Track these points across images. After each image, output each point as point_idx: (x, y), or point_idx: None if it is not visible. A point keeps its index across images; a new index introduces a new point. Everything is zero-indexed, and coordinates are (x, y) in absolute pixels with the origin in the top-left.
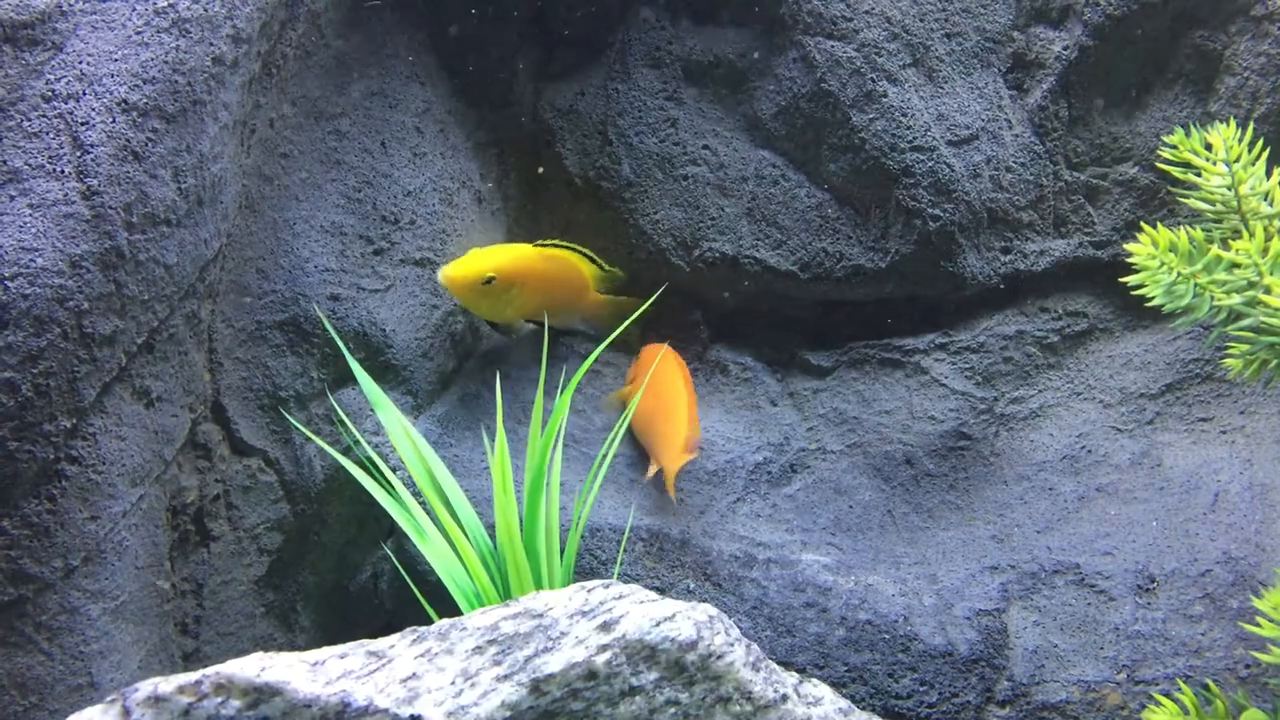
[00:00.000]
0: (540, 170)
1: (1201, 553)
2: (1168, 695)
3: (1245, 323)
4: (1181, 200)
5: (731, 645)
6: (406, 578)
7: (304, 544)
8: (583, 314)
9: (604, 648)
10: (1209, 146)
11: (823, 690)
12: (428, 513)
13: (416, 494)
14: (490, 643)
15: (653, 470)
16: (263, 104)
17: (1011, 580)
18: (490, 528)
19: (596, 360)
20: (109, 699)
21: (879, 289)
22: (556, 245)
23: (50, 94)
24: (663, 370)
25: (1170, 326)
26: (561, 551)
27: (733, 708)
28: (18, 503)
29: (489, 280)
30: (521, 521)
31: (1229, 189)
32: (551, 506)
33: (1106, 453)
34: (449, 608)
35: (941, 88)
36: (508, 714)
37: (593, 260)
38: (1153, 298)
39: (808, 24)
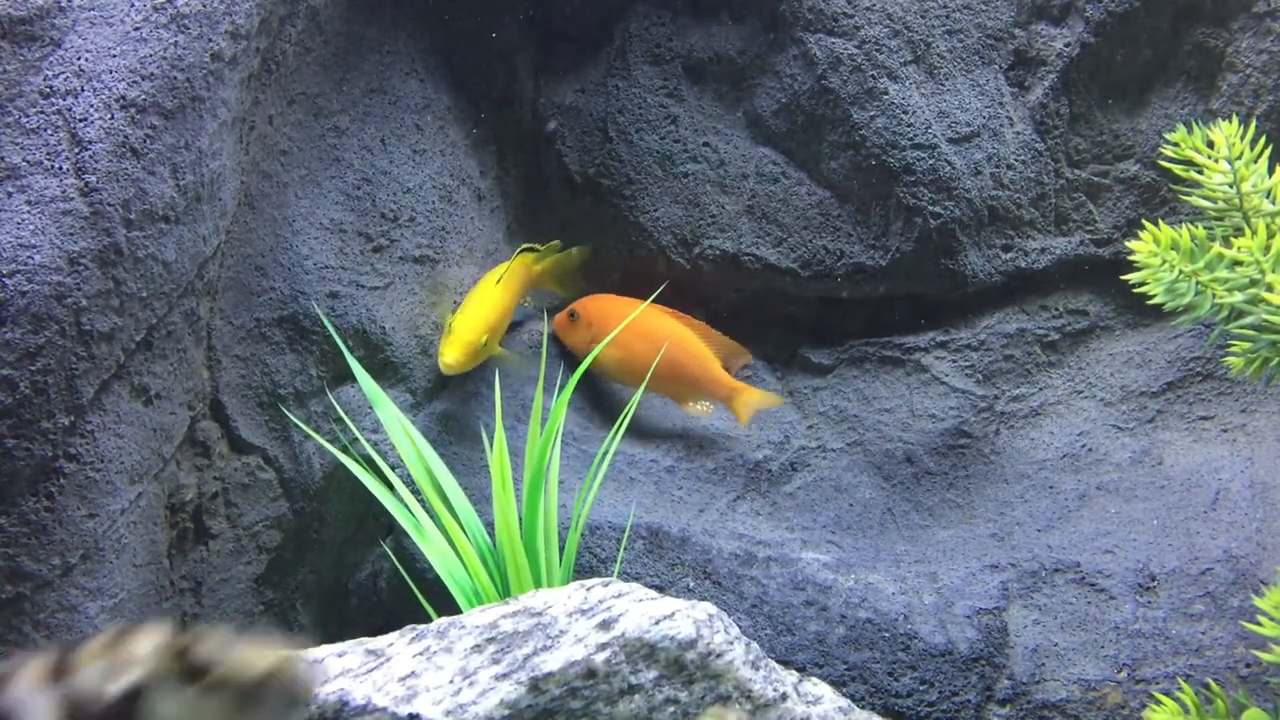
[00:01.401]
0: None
1: (1202, 551)
2: (1168, 694)
3: (1247, 320)
4: (1183, 198)
5: (731, 644)
6: (405, 576)
7: (303, 542)
8: (532, 290)
9: (603, 646)
10: (1211, 144)
11: (822, 689)
12: (427, 510)
13: (415, 492)
14: (489, 641)
15: (701, 408)
16: (262, 101)
17: (1012, 579)
18: (489, 525)
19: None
20: None
21: (879, 287)
22: (508, 265)
23: (48, 90)
24: (637, 317)
25: (1171, 324)
26: (561, 550)
27: (732, 706)
28: (15, 500)
29: (484, 343)
30: (521, 519)
31: (1231, 186)
32: (550, 504)
33: (1107, 451)
34: (448, 606)
35: (942, 85)
36: (506, 712)
37: (533, 249)
38: (1154, 296)
39: (808, 21)
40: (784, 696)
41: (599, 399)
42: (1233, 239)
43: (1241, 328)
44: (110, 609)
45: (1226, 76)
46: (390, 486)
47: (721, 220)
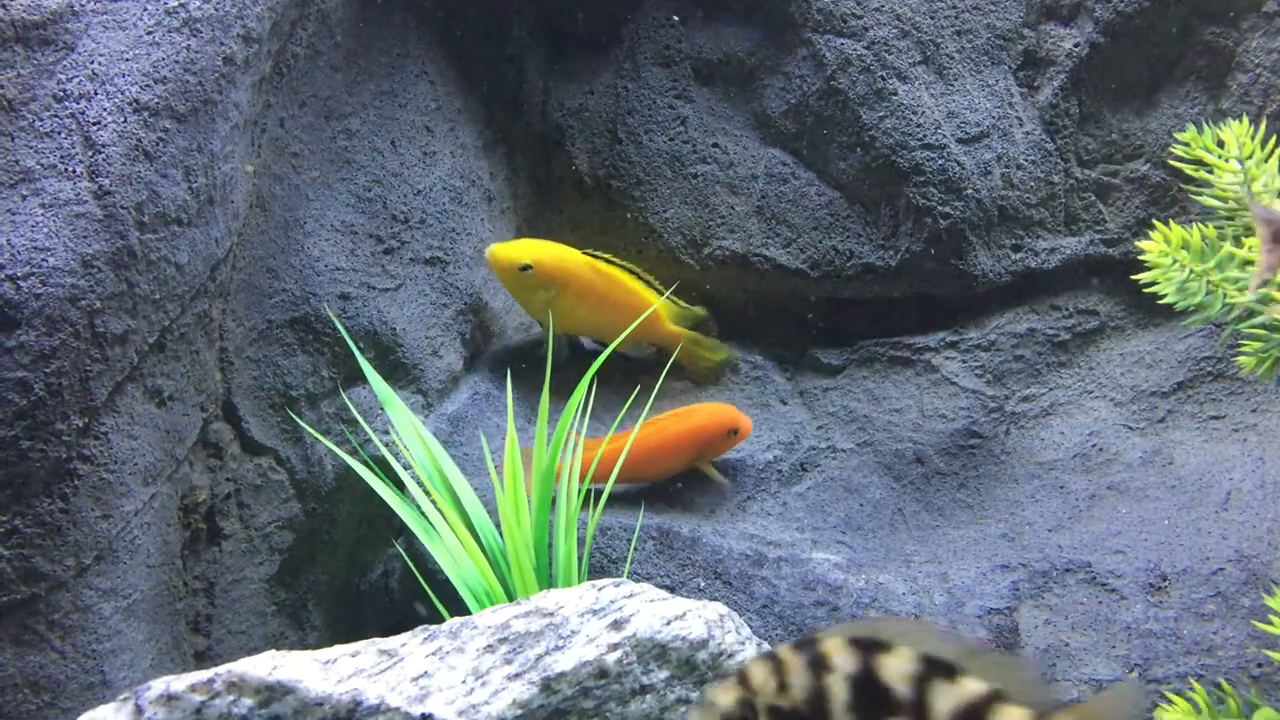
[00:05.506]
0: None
1: (1213, 551)
2: (1180, 694)
3: (1257, 320)
4: (1193, 197)
5: (742, 644)
6: (418, 575)
7: (315, 542)
8: (655, 343)
9: (615, 646)
10: (1221, 143)
11: None
12: (439, 511)
13: (427, 493)
14: (501, 641)
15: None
16: (273, 103)
17: (1023, 579)
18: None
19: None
20: (122, 697)
21: (889, 287)
22: (610, 260)
23: (62, 94)
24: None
25: (1182, 324)
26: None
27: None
28: (30, 501)
29: (526, 268)
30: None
31: (1241, 186)
32: (572, 505)
33: (1118, 451)
34: (460, 606)
35: (952, 85)
36: (519, 712)
37: (650, 284)
38: (1165, 295)
39: (817, 22)
40: None
41: (609, 400)
42: (1243, 238)
43: (1252, 327)
44: (124, 609)
45: (1236, 76)
46: (401, 488)
47: (731, 221)
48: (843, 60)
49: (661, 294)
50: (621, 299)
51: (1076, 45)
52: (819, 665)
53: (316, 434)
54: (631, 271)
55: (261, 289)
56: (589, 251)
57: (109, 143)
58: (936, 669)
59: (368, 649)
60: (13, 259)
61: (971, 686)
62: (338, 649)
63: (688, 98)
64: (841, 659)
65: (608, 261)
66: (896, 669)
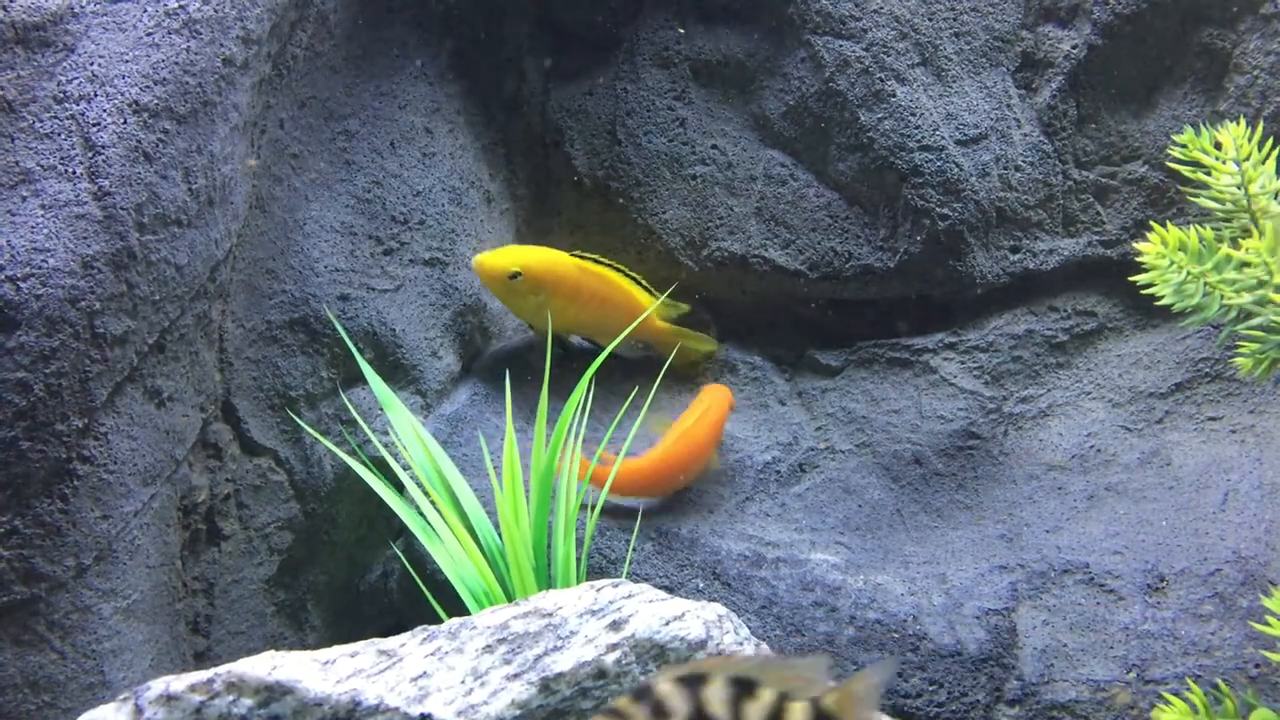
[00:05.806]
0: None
1: (1211, 552)
2: (1177, 694)
3: (1255, 321)
4: (1191, 199)
5: (741, 644)
6: (416, 577)
7: (314, 543)
8: (645, 341)
9: (613, 647)
10: (1218, 145)
11: None
12: (439, 512)
13: (426, 493)
14: (500, 642)
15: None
16: (273, 104)
17: (1021, 579)
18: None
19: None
20: (121, 697)
21: (888, 288)
22: (597, 260)
23: (62, 95)
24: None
25: (1179, 325)
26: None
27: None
28: (30, 502)
29: (515, 275)
30: (531, 520)
31: (1238, 188)
32: (571, 506)
33: (1115, 452)
34: (459, 606)
35: (950, 87)
36: (517, 713)
37: (638, 283)
38: (1162, 297)
39: (816, 23)
40: None
41: (606, 400)
42: (1240, 240)
43: (1249, 328)
44: (123, 610)
45: (1234, 78)
46: (400, 489)
47: (730, 222)
48: (841, 62)
49: (650, 291)
50: (613, 298)
51: (1074, 47)
52: (660, 713)
53: (316, 434)
54: (620, 271)
55: (261, 290)
56: (575, 252)
57: (109, 144)
58: (742, 688)
59: (367, 649)
60: (12, 260)
61: (767, 696)
62: (337, 649)
63: (686, 99)
64: (676, 702)
65: (595, 262)
66: (716, 697)
